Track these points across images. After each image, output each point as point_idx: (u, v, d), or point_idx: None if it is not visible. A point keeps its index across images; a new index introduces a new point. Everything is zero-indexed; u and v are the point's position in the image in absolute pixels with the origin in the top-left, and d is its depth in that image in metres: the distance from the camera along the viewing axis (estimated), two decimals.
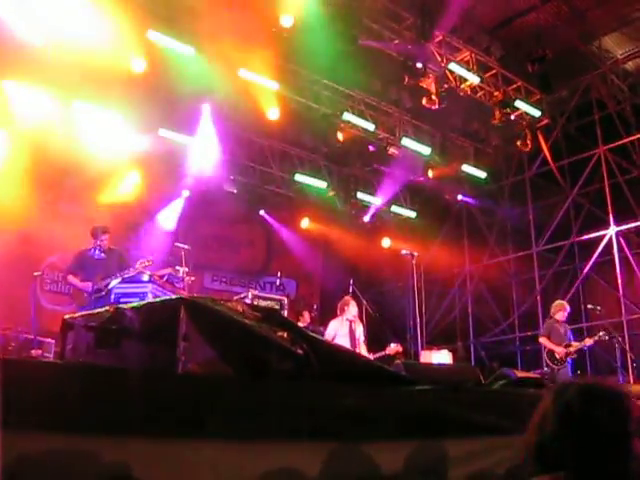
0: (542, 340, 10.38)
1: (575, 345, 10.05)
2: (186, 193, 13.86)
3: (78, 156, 11.04)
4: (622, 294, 13.03)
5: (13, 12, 9.33)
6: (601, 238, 13.55)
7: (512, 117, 13.77)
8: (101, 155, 11.29)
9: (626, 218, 13.33)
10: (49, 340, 9.60)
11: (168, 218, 13.68)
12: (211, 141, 12.67)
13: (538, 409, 1.89)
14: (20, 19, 9.38)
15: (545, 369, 10.37)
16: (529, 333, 14.42)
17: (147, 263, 8.26)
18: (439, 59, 12.33)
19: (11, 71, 10.10)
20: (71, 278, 8.54)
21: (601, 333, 10.21)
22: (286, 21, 10.57)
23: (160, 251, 11.24)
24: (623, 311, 12.89)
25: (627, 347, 11.84)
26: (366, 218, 15.94)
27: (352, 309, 9.23)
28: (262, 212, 15.60)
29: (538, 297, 14.42)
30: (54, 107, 10.77)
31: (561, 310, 10.37)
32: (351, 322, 9.20)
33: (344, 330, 9.15)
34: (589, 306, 12.27)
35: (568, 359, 10.00)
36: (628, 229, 13.38)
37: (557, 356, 10.03)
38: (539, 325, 13.93)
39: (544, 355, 10.41)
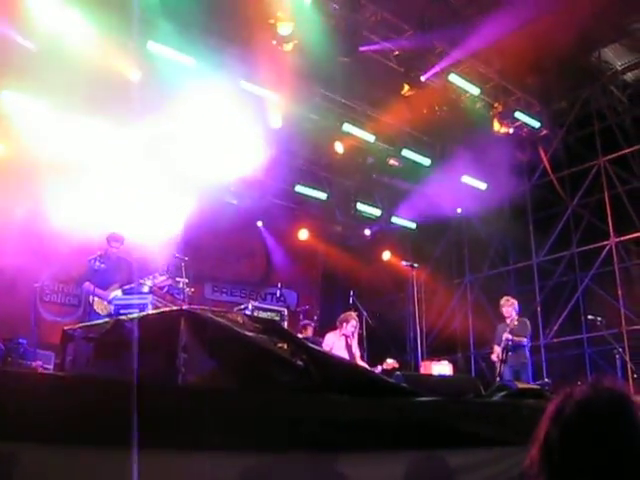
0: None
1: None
2: (188, 204, 13.83)
3: (75, 166, 11.00)
4: (622, 305, 13.01)
5: (9, 20, 9.34)
6: (601, 249, 13.55)
7: (512, 128, 13.81)
8: (98, 165, 11.25)
9: (626, 229, 13.31)
10: (49, 352, 9.56)
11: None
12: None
13: (541, 425, 1.79)
14: (16, 27, 9.39)
15: (545, 379, 10.23)
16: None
17: (160, 278, 8.22)
18: (439, 70, 12.36)
19: (7, 81, 10.07)
20: (87, 285, 8.41)
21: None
22: (284, 29, 10.57)
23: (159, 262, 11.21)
24: (623, 322, 12.87)
25: (628, 358, 11.82)
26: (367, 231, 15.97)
27: (349, 327, 9.23)
28: (259, 224, 15.58)
29: (538, 308, 14.38)
30: (52, 117, 10.74)
31: (503, 306, 10.11)
32: (347, 337, 9.21)
33: (341, 344, 9.17)
34: (589, 317, 12.24)
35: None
36: (628, 240, 13.38)
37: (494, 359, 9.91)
38: (540, 336, 13.90)
39: None
